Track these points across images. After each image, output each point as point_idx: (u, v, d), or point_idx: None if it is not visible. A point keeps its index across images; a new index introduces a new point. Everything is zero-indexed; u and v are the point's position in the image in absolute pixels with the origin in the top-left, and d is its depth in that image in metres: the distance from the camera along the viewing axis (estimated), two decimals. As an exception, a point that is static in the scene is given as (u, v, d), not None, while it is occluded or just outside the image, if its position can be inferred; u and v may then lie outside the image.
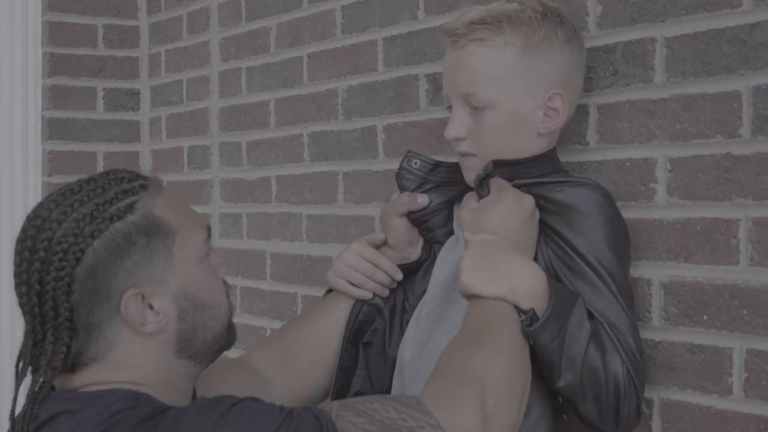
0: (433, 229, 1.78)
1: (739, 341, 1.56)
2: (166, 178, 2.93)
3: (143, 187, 1.39)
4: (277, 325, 2.63)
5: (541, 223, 1.61)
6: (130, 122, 3.16)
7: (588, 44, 1.77)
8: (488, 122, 1.63)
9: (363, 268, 1.77)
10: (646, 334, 1.66)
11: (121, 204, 1.35)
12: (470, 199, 1.63)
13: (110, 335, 1.34)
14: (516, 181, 1.63)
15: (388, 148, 2.25)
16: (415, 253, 1.80)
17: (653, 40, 1.68)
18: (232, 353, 1.63)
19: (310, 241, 2.49)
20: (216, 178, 2.88)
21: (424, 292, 1.76)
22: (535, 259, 1.59)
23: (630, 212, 1.70)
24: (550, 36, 1.63)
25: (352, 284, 1.79)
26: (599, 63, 1.77)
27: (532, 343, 1.48)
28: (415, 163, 1.77)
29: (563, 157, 1.80)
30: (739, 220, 1.57)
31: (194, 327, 1.41)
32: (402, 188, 1.78)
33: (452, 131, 1.66)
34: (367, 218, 2.31)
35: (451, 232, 1.78)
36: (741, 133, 1.56)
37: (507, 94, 1.62)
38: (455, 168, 1.76)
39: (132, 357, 1.36)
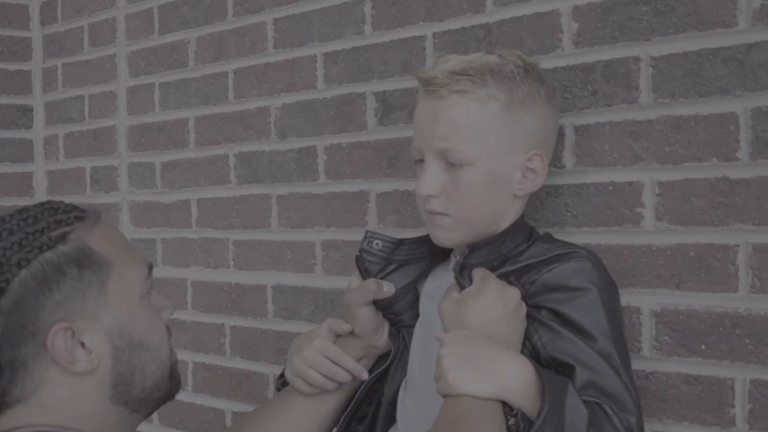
0: (399, 313, 1.64)
1: (741, 371, 1.49)
2: (65, 200, 2.67)
3: (79, 219, 1.29)
4: (199, 358, 2.43)
5: (535, 308, 1.46)
6: (22, 141, 2.89)
7: (563, 62, 1.68)
8: (465, 180, 1.50)
9: (324, 368, 1.61)
10: (636, 365, 1.56)
11: (53, 234, 1.25)
12: (452, 290, 1.49)
13: (37, 374, 1.23)
14: (500, 271, 1.50)
15: (330, 169, 2.10)
16: (381, 339, 1.65)
17: (637, 59, 1.59)
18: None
19: (238, 268, 2.31)
20: (124, 201, 2.66)
21: (399, 383, 1.63)
22: (528, 349, 1.46)
23: (613, 238, 1.61)
24: (533, 93, 1.52)
25: (311, 384, 1.62)
26: (575, 82, 1.67)
27: None
28: (377, 244, 1.62)
29: (536, 180, 1.69)
30: (738, 245, 1.49)
31: (131, 369, 1.29)
32: (365, 272, 1.63)
33: (425, 188, 1.52)
34: (305, 244, 2.15)
35: (418, 315, 1.65)
36: (738, 156, 1.49)
37: (487, 152, 1.50)
38: (418, 243, 1.64)
39: (61, 399, 1.25)
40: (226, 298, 2.34)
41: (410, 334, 1.64)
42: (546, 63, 1.69)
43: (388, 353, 1.66)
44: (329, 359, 1.61)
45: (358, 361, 1.65)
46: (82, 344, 1.24)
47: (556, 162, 1.70)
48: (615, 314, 1.47)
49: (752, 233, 1.48)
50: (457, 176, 1.49)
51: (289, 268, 2.18)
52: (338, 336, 1.65)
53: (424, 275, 1.66)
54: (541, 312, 1.45)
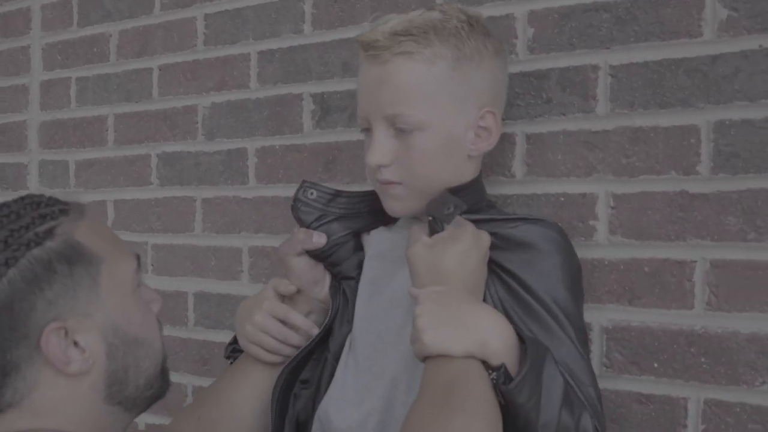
0: (338, 263, 1.55)
1: (696, 391, 1.43)
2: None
3: (63, 212, 1.21)
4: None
5: (492, 262, 1.40)
6: None
7: (516, 69, 1.61)
8: (417, 146, 1.42)
9: (276, 331, 1.52)
10: (586, 383, 1.48)
11: (39, 229, 1.17)
12: (420, 233, 1.39)
13: (30, 377, 1.17)
14: (464, 217, 1.42)
15: (261, 173, 1.98)
16: (323, 291, 1.56)
17: (595, 68, 1.53)
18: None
19: (157, 273, 2.17)
20: (33, 201, 2.47)
21: (344, 338, 1.52)
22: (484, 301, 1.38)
23: (565, 250, 1.52)
24: (480, 48, 1.44)
25: (267, 350, 1.52)
26: (528, 89, 1.60)
27: (503, 402, 1.26)
28: (311, 193, 1.53)
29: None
30: (695, 261, 1.44)
31: (125, 367, 1.22)
32: (299, 221, 1.54)
33: (375, 157, 1.43)
34: (232, 250, 2.03)
35: (360, 264, 1.56)
36: (698, 170, 1.44)
37: (438, 114, 1.41)
38: (358, 198, 1.56)
39: (55, 402, 1.18)
40: (142, 306, 2.19)
41: (352, 288, 1.54)
42: (498, 68, 1.61)
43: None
44: (279, 319, 1.52)
45: (306, 316, 1.55)
46: (76, 343, 1.17)
47: (505, 171, 1.62)
48: (576, 286, 1.41)
49: (710, 249, 1.43)
50: (408, 142, 1.41)
51: (213, 274, 2.06)
52: (284, 297, 1.55)
53: (365, 230, 1.56)
54: (499, 267, 1.39)
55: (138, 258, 1.27)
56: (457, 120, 1.43)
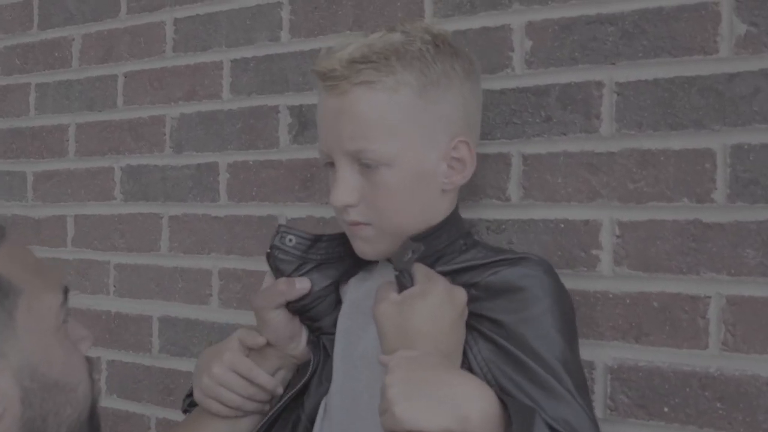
0: (318, 318, 1.40)
1: (710, 439, 1.29)
2: None
3: None
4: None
5: (473, 316, 1.25)
6: None
7: (512, 84, 1.47)
8: (384, 183, 1.27)
9: (237, 387, 1.37)
10: (587, 426, 1.34)
11: None
12: (388, 290, 1.25)
13: None
14: (438, 268, 1.29)
15: (233, 189, 1.83)
16: (299, 348, 1.40)
17: (599, 85, 1.40)
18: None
19: (119, 295, 2.01)
20: (-12, 214, 2.30)
21: (320, 398, 1.37)
22: (466, 364, 1.24)
23: (565, 282, 1.39)
24: (448, 71, 1.30)
25: (226, 405, 1.37)
26: (526, 106, 1.46)
27: None
28: (290, 240, 1.38)
29: (476, 213, 1.49)
30: (709, 297, 1.31)
31: (44, 415, 1.06)
32: (277, 272, 1.38)
33: (340, 197, 1.29)
34: (201, 272, 1.87)
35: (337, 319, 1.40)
36: (714, 198, 1.30)
37: (405, 147, 1.27)
38: (338, 240, 1.41)
39: None
40: (104, 329, 2.03)
41: (332, 342, 1.39)
42: (493, 84, 1.49)
43: (309, 363, 1.41)
44: (242, 375, 1.37)
45: (274, 373, 1.40)
46: None
47: (499, 194, 1.48)
48: (569, 328, 1.27)
49: (727, 284, 1.30)
50: (374, 179, 1.27)
51: (180, 298, 1.90)
52: (252, 348, 1.40)
53: (345, 278, 1.42)
54: (482, 322, 1.24)
55: (65, 290, 1.12)
56: (427, 152, 1.29)
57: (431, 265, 1.29)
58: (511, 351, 1.20)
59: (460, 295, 1.22)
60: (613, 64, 1.39)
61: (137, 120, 2.00)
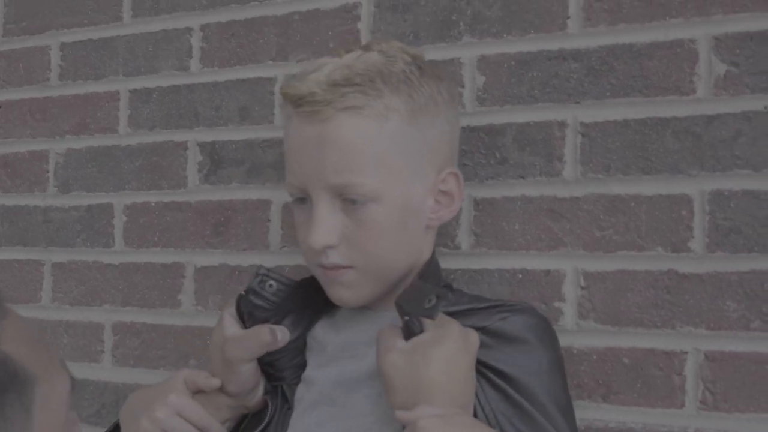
0: (282, 368, 1.21)
1: (691, 506, 1.17)
2: None
3: None
4: None
5: (479, 364, 1.11)
6: None
7: (463, 122, 1.34)
8: (371, 220, 1.12)
9: None
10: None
11: None
12: (394, 337, 1.08)
13: None
14: (447, 309, 1.14)
15: (130, 234, 1.60)
16: (256, 398, 1.21)
17: (562, 125, 1.28)
18: None
19: (-11, 352, 1.71)
20: None
21: None
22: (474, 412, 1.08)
23: (524, 337, 1.24)
24: (434, 95, 1.17)
25: None
26: (478, 147, 1.33)
27: None
28: (270, 285, 1.19)
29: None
30: (686, 352, 1.20)
31: None
32: (250, 318, 1.18)
33: (320, 238, 1.12)
34: (90, 326, 1.63)
35: (301, 367, 1.22)
36: (691, 247, 1.20)
37: (394, 180, 1.13)
38: (310, 286, 1.23)
39: None
40: (-31, 392, 1.73)
41: (292, 390, 1.21)
42: (441, 121, 1.33)
43: (260, 411, 1.21)
44: (190, 422, 1.14)
45: (223, 423, 1.19)
46: None
47: (448, 241, 1.33)
48: (566, 379, 1.17)
49: (705, 339, 1.19)
50: (359, 216, 1.12)
51: (66, 355, 1.65)
52: (198, 391, 1.18)
53: (312, 324, 1.24)
54: (488, 370, 1.10)
55: (68, 369, 0.87)
56: (414, 185, 1.15)
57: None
58: (522, 404, 1.09)
59: (474, 339, 1.08)
60: (578, 102, 1.27)
61: (14, 155, 1.74)
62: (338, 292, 1.16)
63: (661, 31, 1.24)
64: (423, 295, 1.06)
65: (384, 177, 1.11)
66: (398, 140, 1.12)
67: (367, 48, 1.18)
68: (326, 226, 1.11)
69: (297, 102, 1.12)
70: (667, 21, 1.24)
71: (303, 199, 1.15)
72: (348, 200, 1.11)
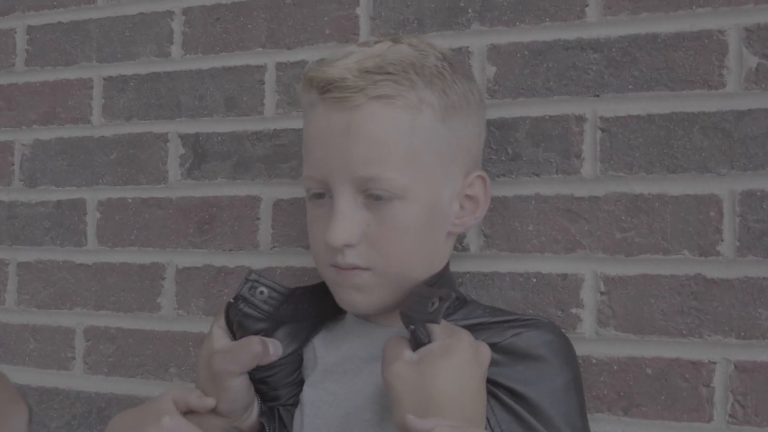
0: (277, 386, 1.11)
1: None
2: None
3: None
4: None
5: (490, 382, 1.01)
6: None
7: (470, 116, 1.22)
8: (396, 219, 1.03)
9: None
10: None
11: None
12: (400, 347, 0.98)
13: None
14: (457, 322, 1.04)
15: (105, 232, 1.48)
16: (250, 419, 1.10)
17: (581, 119, 1.18)
18: None
19: (-52, 358, 1.58)
20: None
21: None
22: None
23: (539, 345, 1.15)
24: (467, 95, 1.10)
25: None
26: (488, 142, 1.24)
27: None
28: (261, 292, 1.08)
29: (428, 265, 1.22)
30: (714, 363, 1.11)
31: None
32: (238, 328, 1.07)
33: (341, 234, 1.02)
34: (60, 331, 1.51)
35: (298, 386, 1.12)
36: (720, 250, 1.12)
37: (423, 178, 1.04)
38: (308, 295, 1.13)
39: None
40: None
41: (289, 413, 1.11)
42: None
43: None
44: None
45: None
46: None
47: (455, 243, 1.23)
48: (583, 400, 1.08)
49: (735, 348, 1.11)
50: (384, 214, 1.02)
51: (33, 362, 1.52)
52: (190, 411, 1.07)
53: (309, 339, 1.14)
54: (499, 388, 1.00)
55: (26, 402, 0.76)
56: (443, 187, 1.07)
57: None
58: (535, 427, 0.99)
59: (486, 352, 0.98)
60: (597, 96, 1.18)
61: (-25, 146, 1.60)
62: (350, 296, 1.06)
63: (688, 20, 1.15)
64: (425, 300, 0.97)
65: (413, 174, 1.03)
66: (430, 137, 1.04)
67: (396, 41, 1.09)
68: (348, 221, 1.02)
69: (325, 87, 1.03)
70: (693, 10, 1.15)
71: (321, 195, 1.06)
72: (372, 196, 1.02)
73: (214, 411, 1.06)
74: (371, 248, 1.03)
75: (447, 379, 0.93)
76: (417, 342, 0.96)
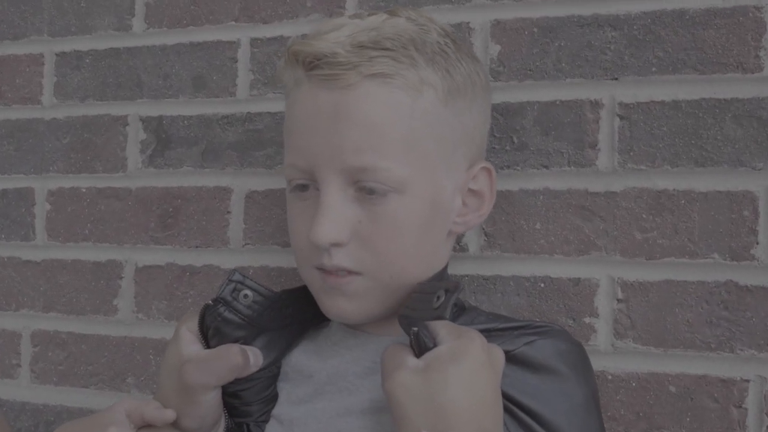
0: (250, 402, 0.96)
1: None
2: None
3: None
4: None
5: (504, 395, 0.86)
6: None
7: (471, 100, 1.06)
8: (391, 215, 0.88)
9: None
10: None
11: None
12: (403, 354, 0.82)
13: None
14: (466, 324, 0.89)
15: (56, 226, 1.30)
16: None
17: (596, 105, 1.03)
18: None
19: None
20: None
21: None
22: None
23: (547, 358, 1.00)
24: (473, 77, 0.95)
25: None
26: (491, 129, 1.08)
27: None
28: (245, 296, 0.92)
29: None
30: (748, 380, 0.98)
31: None
32: (215, 334, 0.91)
33: (327, 232, 0.87)
34: (4, 334, 1.33)
35: (270, 401, 0.97)
36: (755, 254, 0.97)
37: (423, 169, 0.90)
38: (292, 299, 0.97)
39: None
40: None
41: (260, 429, 0.96)
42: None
43: None
44: None
45: None
46: None
47: (455, 242, 1.07)
48: (602, 423, 0.92)
49: (771, 365, 0.96)
50: (377, 209, 0.88)
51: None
52: (146, 425, 0.90)
53: (290, 348, 0.99)
54: (511, 402, 0.86)
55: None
56: (445, 179, 0.92)
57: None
58: None
59: (500, 355, 0.83)
60: (616, 79, 1.03)
61: None
62: (337, 304, 0.90)
63: (719, -5, 1.01)
64: (429, 295, 0.84)
65: (412, 164, 0.88)
66: (431, 122, 0.89)
67: (392, 13, 0.94)
68: (336, 217, 0.87)
69: (312, 63, 0.88)
70: (726, -16, 1.01)
71: (305, 187, 0.91)
72: (365, 189, 0.88)
73: (174, 425, 0.90)
74: (362, 249, 0.88)
75: (459, 386, 0.78)
76: (421, 347, 0.81)
